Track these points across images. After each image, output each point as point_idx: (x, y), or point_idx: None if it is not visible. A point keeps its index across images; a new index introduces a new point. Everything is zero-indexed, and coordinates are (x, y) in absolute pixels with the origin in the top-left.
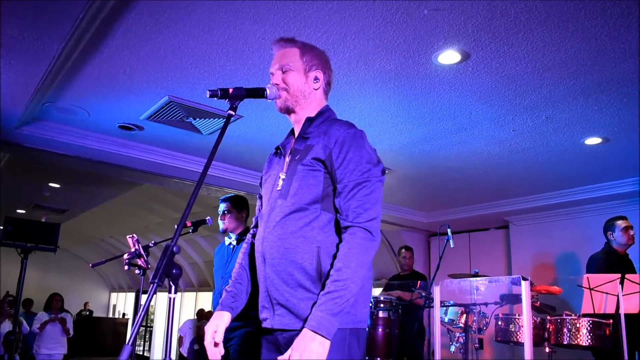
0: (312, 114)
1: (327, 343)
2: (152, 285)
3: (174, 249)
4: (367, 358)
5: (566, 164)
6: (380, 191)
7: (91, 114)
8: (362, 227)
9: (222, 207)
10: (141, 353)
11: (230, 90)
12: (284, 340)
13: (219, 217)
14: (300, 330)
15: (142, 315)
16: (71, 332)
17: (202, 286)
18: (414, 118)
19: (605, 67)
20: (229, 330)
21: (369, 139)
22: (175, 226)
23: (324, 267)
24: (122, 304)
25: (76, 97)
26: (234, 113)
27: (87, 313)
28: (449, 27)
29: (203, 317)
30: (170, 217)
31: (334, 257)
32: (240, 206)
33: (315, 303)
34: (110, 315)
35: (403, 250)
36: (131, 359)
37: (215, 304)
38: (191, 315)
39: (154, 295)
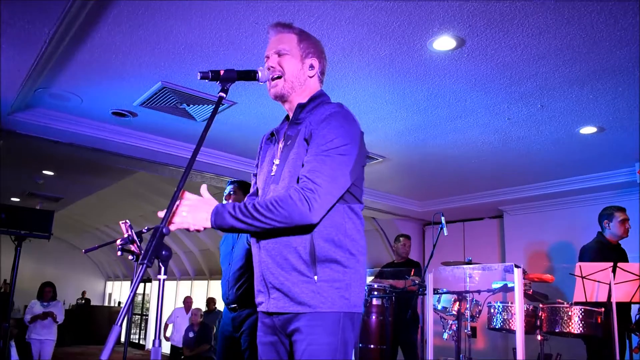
0: (304, 101)
1: (209, 221)
2: (141, 266)
3: (164, 230)
4: (360, 345)
5: (561, 153)
6: (341, 169)
7: (84, 100)
8: (303, 194)
9: (229, 188)
10: (137, 341)
11: (222, 72)
12: (280, 322)
13: (224, 198)
14: (297, 314)
15: (131, 296)
16: (60, 318)
17: (198, 275)
18: (408, 105)
19: (601, 55)
20: (239, 319)
21: (363, 127)
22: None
23: (318, 250)
24: (118, 292)
25: (68, 83)
26: (225, 95)
27: (83, 302)
28: (444, 13)
29: (189, 305)
30: (166, 205)
31: (328, 240)
32: (246, 191)
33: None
34: (106, 304)
35: (402, 238)
36: (125, 348)
37: (224, 291)
38: None
39: (149, 284)
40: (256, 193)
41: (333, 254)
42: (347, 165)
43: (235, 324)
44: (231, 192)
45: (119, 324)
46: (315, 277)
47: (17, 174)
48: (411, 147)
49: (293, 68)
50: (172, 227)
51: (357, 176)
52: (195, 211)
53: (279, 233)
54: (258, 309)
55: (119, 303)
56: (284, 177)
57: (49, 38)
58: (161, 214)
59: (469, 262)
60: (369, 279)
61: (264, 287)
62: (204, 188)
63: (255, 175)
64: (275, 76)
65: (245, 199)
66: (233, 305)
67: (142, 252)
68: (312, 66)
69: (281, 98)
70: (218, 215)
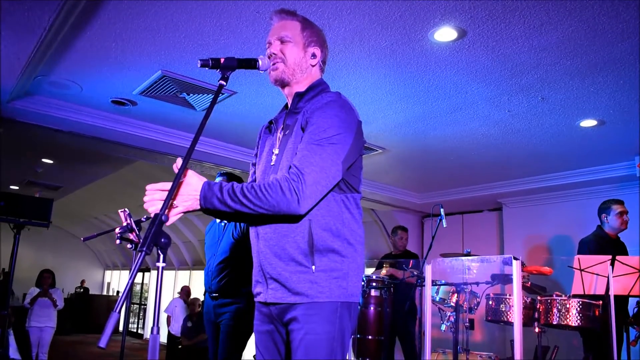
0: (303, 89)
1: (198, 205)
2: (139, 253)
3: (162, 217)
4: (358, 335)
5: (561, 146)
6: (332, 159)
7: (84, 89)
8: (292, 184)
9: (219, 180)
10: (135, 330)
11: (222, 60)
12: (277, 311)
13: None
14: (294, 304)
15: (130, 282)
16: (59, 303)
17: (196, 265)
18: (408, 97)
19: (603, 48)
20: (219, 306)
21: (363, 118)
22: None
23: (316, 239)
24: (117, 281)
25: (68, 70)
26: (225, 83)
27: (82, 290)
28: (445, 3)
29: (188, 294)
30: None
31: (326, 229)
32: None
33: (309, 277)
34: (105, 293)
35: (400, 230)
36: (122, 337)
37: (207, 280)
38: None
39: (148, 273)
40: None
41: (331, 243)
42: (339, 155)
43: (216, 311)
44: None
45: (117, 310)
46: (313, 267)
47: (16, 162)
48: (411, 139)
49: (295, 55)
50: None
51: (354, 165)
52: (181, 197)
53: (276, 222)
54: (255, 299)
55: (118, 292)
56: (282, 167)
57: (49, 25)
58: (147, 205)
59: (468, 254)
60: (369, 270)
61: (262, 278)
62: (178, 161)
63: (254, 164)
64: (277, 62)
65: None
66: (215, 295)
67: (141, 240)
68: (314, 55)
69: (281, 83)
70: (207, 200)
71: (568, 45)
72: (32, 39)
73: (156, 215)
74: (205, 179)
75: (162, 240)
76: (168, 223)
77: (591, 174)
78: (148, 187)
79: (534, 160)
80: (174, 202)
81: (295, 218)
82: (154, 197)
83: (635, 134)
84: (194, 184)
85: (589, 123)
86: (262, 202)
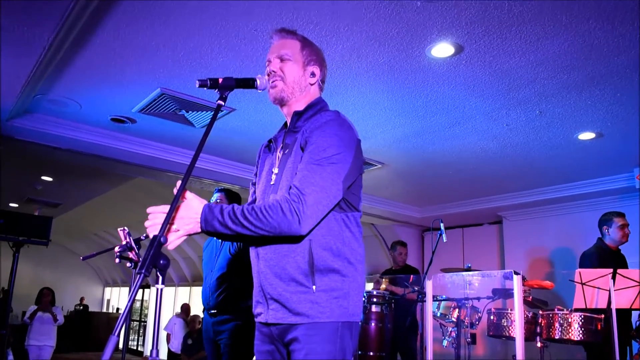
0: (302, 108)
1: (198, 228)
2: (138, 275)
3: (161, 239)
4: (359, 352)
5: (559, 159)
6: (332, 178)
7: (83, 107)
8: (293, 205)
9: (216, 196)
10: (135, 348)
11: (220, 80)
12: (277, 331)
13: None
14: (295, 324)
15: (129, 305)
16: (60, 319)
17: (196, 280)
18: (407, 112)
19: (599, 61)
20: (218, 324)
21: (362, 134)
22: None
23: (316, 259)
24: (116, 298)
25: (67, 89)
26: (223, 103)
27: (81, 308)
28: (442, 20)
29: (187, 312)
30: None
31: (327, 248)
32: (233, 200)
33: (310, 297)
34: (104, 310)
35: (399, 246)
36: (122, 355)
37: (205, 297)
38: None
39: (148, 290)
40: (254, 202)
41: (332, 263)
42: (340, 174)
43: (214, 329)
44: (217, 201)
45: (116, 334)
46: (314, 287)
47: (15, 179)
48: (410, 154)
49: (295, 74)
50: (171, 247)
51: (355, 184)
52: (182, 220)
53: (277, 242)
54: (256, 320)
55: (117, 309)
56: (282, 187)
57: (48, 44)
58: (147, 223)
59: (469, 269)
60: (369, 285)
61: (263, 298)
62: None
63: (254, 184)
64: (276, 80)
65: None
66: (213, 311)
67: (140, 259)
68: (313, 74)
69: (280, 102)
70: (207, 223)
71: (564, 59)
72: (31, 57)
73: (155, 237)
74: (205, 202)
75: (161, 261)
76: (171, 247)
77: (590, 186)
78: (149, 209)
79: (533, 173)
80: (175, 226)
81: (295, 238)
82: (156, 221)
83: (634, 146)
84: (195, 207)
85: (587, 136)
86: (263, 224)
